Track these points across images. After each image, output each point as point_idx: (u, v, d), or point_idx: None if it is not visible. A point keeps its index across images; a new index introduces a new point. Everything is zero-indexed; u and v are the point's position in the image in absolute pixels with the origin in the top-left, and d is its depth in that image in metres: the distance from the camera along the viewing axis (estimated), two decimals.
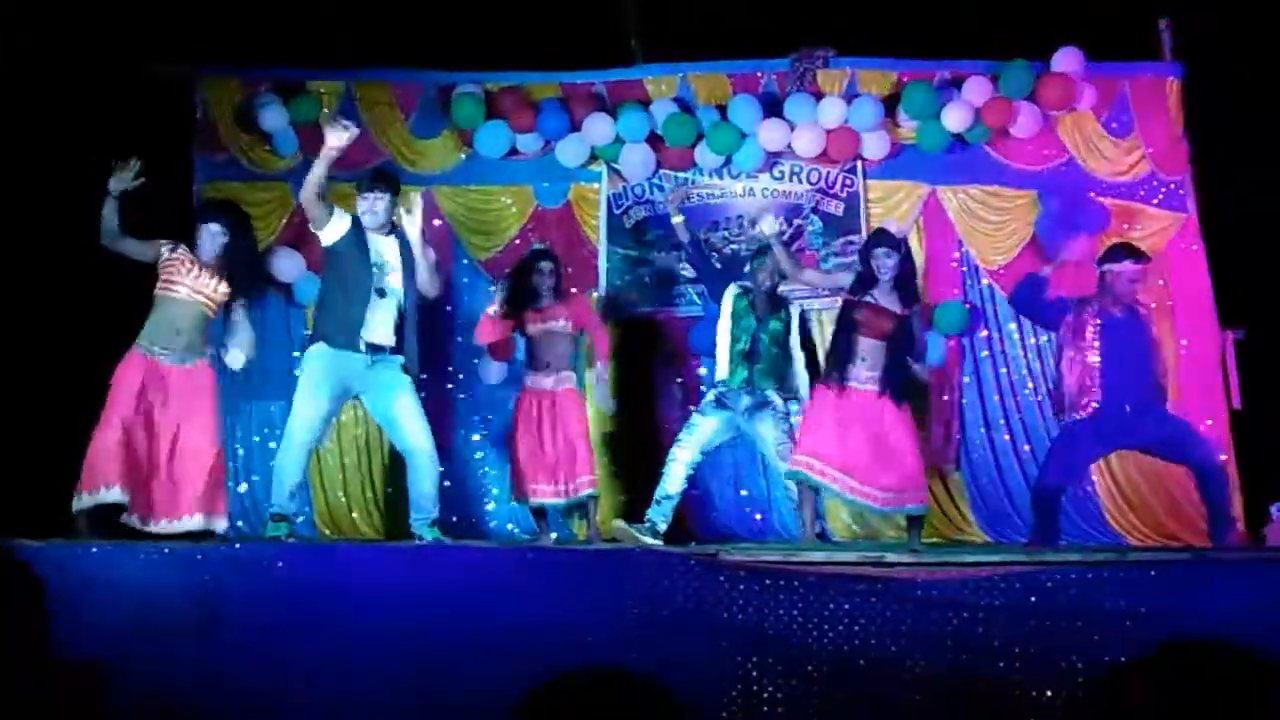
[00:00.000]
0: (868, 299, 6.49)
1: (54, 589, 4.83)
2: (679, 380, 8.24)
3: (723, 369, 6.89)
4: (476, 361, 8.07)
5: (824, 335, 7.99)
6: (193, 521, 6.07)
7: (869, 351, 6.44)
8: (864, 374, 6.44)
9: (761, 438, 6.86)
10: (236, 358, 6.25)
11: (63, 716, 3.37)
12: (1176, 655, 3.12)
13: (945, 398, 7.98)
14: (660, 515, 6.79)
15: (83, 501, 5.86)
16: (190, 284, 6.16)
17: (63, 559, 4.86)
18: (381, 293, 6.12)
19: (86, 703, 3.75)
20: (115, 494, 5.88)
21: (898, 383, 6.45)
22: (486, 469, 8.15)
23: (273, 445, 7.97)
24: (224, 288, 6.24)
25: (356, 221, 6.21)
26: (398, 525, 6.99)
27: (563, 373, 6.99)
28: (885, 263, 6.50)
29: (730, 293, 7.01)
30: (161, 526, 6.03)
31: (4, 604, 3.13)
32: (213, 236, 6.26)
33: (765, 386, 6.80)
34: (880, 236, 6.65)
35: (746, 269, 7.20)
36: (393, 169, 7.10)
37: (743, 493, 8.10)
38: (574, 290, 7.14)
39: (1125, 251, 6.65)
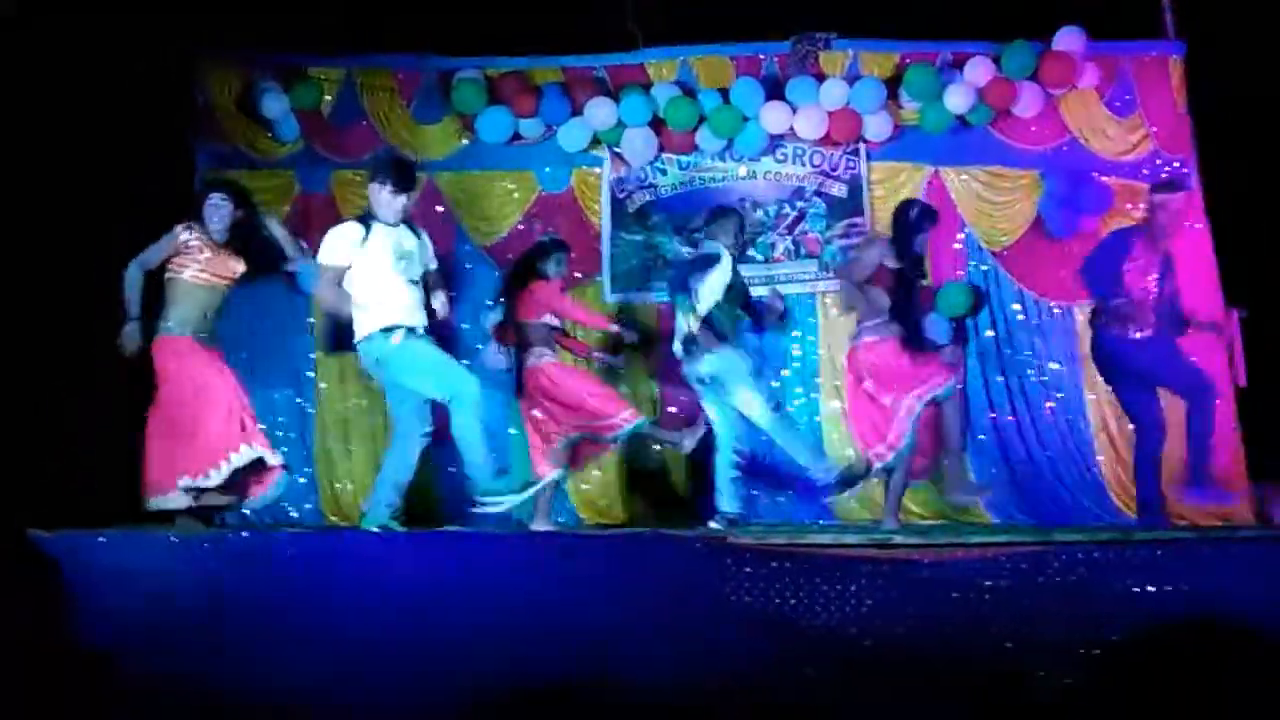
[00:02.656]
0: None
1: (66, 577, 4.89)
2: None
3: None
4: (480, 347, 8.07)
5: (827, 318, 8.04)
6: (239, 457, 6.10)
7: None
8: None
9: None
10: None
11: (77, 700, 3.40)
12: (1180, 634, 3.14)
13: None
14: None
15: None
16: (212, 269, 6.18)
17: (73, 548, 4.88)
18: (414, 283, 6.05)
19: (99, 687, 3.78)
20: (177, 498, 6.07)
21: None
22: None
23: (279, 434, 7.98)
24: (240, 266, 6.26)
25: (364, 219, 6.06)
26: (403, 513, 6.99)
27: (544, 347, 7.02)
28: (929, 238, 6.71)
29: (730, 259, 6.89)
30: (212, 478, 6.07)
31: (27, 592, 3.15)
32: (217, 208, 6.25)
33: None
34: (931, 213, 6.70)
35: (701, 234, 7.06)
36: (406, 159, 6.93)
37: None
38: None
39: (1173, 185, 6.74)
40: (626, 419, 6.86)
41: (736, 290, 6.81)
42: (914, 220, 6.57)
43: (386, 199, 6.00)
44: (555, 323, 7.10)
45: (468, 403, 5.86)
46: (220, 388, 6.14)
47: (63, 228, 6.93)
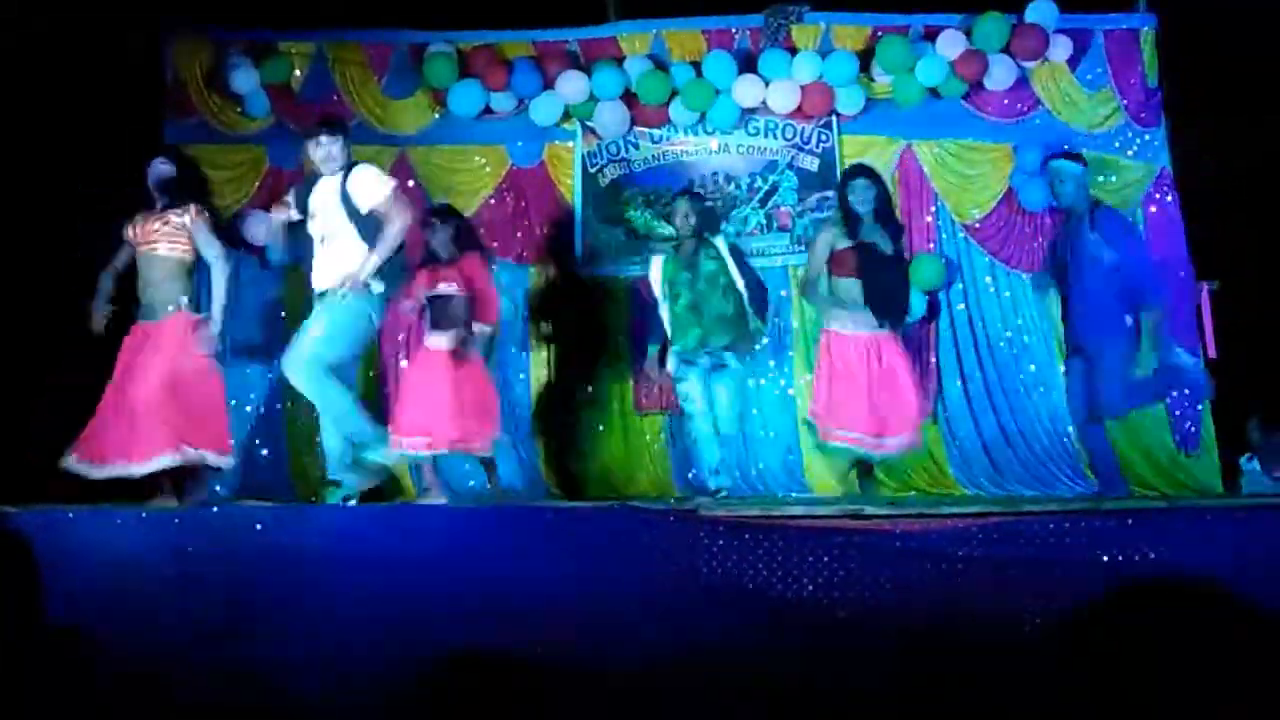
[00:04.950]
0: (862, 240, 6.57)
1: (36, 553, 4.84)
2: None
3: (674, 335, 6.80)
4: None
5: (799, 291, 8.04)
6: (179, 456, 5.98)
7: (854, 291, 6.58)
8: (860, 316, 6.56)
9: (718, 401, 6.84)
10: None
11: (48, 680, 3.37)
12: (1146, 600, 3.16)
13: (922, 351, 7.98)
14: (722, 480, 6.85)
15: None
16: (147, 240, 6.10)
17: (42, 524, 4.84)
18: (324, 239, 6.00)
19: (70, 666, 3.74)
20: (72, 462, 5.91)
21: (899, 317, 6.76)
22: None
23: (248, 410, 7.95)
24: (181, 218, 6.13)
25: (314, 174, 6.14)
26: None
27: (455, 331, 6.65)
28: (866, 195, 6.60)
29: (657, 263, 6.92)
30: (138, 468, 5.96)
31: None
32: (158, 167, 6.20)
33: (719, 343, 6.73)
34: (858, 170, 6.74)
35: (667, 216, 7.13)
36: (337, 114, 6.91)
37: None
38: (470, 252, 6.94)
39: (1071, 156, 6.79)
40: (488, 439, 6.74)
41: None
42: (840, 180, 6.75)
43: (311, 153, 6.06)
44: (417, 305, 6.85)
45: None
46: (187, 382, 6.07)
47: (29, 205, 6.88)
